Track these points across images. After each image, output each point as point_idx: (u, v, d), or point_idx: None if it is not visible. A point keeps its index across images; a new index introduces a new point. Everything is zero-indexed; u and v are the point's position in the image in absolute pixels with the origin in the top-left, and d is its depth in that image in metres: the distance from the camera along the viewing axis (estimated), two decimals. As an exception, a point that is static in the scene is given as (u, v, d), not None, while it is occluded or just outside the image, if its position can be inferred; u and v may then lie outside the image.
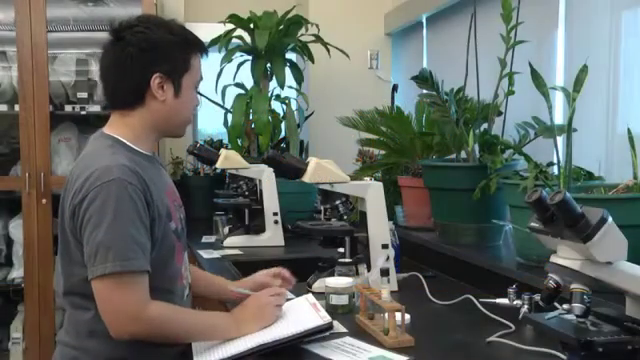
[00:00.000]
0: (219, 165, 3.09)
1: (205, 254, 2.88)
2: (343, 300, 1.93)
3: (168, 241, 1.65)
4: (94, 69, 3.81)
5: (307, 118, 3.97)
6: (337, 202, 2.30)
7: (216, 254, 2.87)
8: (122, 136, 1.68)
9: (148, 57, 1.63)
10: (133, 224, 1.52)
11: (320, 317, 1.65)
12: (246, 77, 3.79)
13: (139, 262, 1.52)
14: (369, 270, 2.09)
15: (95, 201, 1.52)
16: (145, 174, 1.60)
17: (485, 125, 2.46)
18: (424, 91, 2.58)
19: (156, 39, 1.64)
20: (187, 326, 1.60)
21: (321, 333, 1.62)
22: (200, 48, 1.74)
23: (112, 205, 1.50)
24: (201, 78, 1.77)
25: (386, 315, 1.68)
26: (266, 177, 3.01)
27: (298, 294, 1.93)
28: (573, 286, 1.30)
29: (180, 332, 1.59)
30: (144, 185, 1.56)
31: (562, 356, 1.48)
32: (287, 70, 3.72)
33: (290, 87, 3.77)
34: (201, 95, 3.66)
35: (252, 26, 3.67)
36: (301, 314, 1.69)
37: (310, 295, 1.82)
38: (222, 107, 3.75)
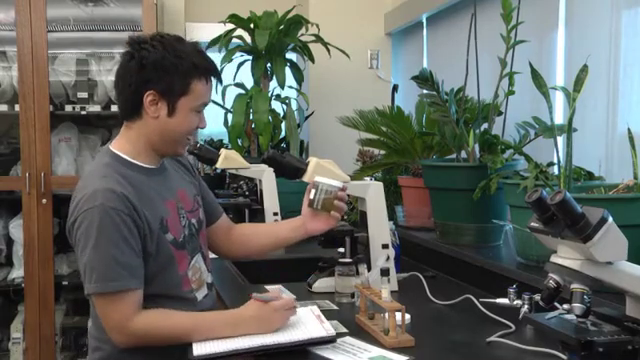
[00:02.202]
0: (219, 165, 3.08)
1: (205, 254, 2.87)
2: (315, 195, 1.89)
3: (164, 252, 1.71)
4: (94, 69, 3.81)
5: (307, 118, 3.97)
6: (337, 202, 2.30)
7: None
8: (123, 151, 1.75)
9: (145, 74, 1.68)
10: (115, 245, 1.61)
11: (324, 329, 1.65)
12: (246, 77, 3.79)
13: (120, 282, 1.61)
14: (369, 270, 2.09)
15: (81, 226, 1.63)
16: (137, 191, 1.67)
17: (485, 125, 2.46)
18: (424, 91, 2.58)
19: (156, 59, 1.67)
20: (179, 331, 1.65)
21: (323, 344, 1.62)
22: (207, 74, 1.74)
23: (95, 230, 1.60)
24: (205, 103, 1.78)
25: (386, 315, 1.68)
26: (266, 177, 3.01)
27: (298, 295, 1.93)
28: (573, 286, 1.29)
29: (171, 336, 1.65)
30: (129, 206, 1.63)
31: (562, 356, 1.48)
32: (287, 70, 3.72)
33: (290, 87, 3.77)
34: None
35: (252, 26, 3.67)
36: (305, 324, 1.70)
37: (315, 307, 1.81)
38: (222, 107, 3.75)
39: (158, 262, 1.70)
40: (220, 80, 1.85)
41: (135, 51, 1.69)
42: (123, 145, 1.76)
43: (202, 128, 1.80)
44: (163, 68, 1.67)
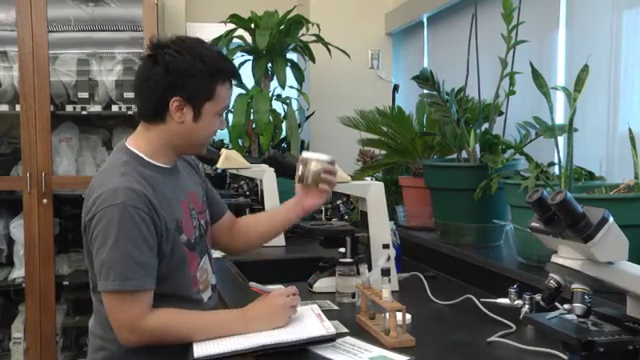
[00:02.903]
0: (220, 165, 3.08)
1: (206, 254, 2.87)
2: (304, 169, 1.91)
3: (178, 253, 1.71)
4: (95, 69, 3.82)
5: (308, 118, 3.97)
6: (338, 202, 2.31)
7: (217, 254, 2.84)
8: (140, 150, 1.74)
9: (171, 80, 1.67)
10: (134, 244, 1.60)
11: (324, 327, 1.65)
12: (247, 77, 3.79)
13: (138, 281, 1.61)
14: (370, 270, 2.09)
15: (100, 223, 1.61)
16: (155, 191, 1.67)
17: (486, 125, 2.46)
18: (425, 91, 2.58)
19: (182, 65, 1.67)
20: (189, 329, 1.65)
21: (323, 343, 1.62)
22: (230, 77, 1.75)
23: (115, 228, 1.59)
24: (227, 106, 1.79)
25: (387, 315, 1.68)
26: (267, 177, 3.01)
27: (299, 295, 1.92)
28: (574, 286, 1.29)
29: (182, 335, 1.65)
30: (149, 206, 1.63)
31: (563, 356, 1.48)
32: (288, 70, 3.72)
33: (291, 87, 3.77)
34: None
35: (253, 26, 3.67)
36: (306, 322, 1.70)
37: (315, 306, 1.81)
38: (223, 107, 3.75)
39: (172, 263, 1.70)
40: (241, 82, 1.86)
41: (159, 56, 1.68)
42: (139, 144, 1.75)
43: (222, 129, 1.82)
44: (190, 74, 1.67)
